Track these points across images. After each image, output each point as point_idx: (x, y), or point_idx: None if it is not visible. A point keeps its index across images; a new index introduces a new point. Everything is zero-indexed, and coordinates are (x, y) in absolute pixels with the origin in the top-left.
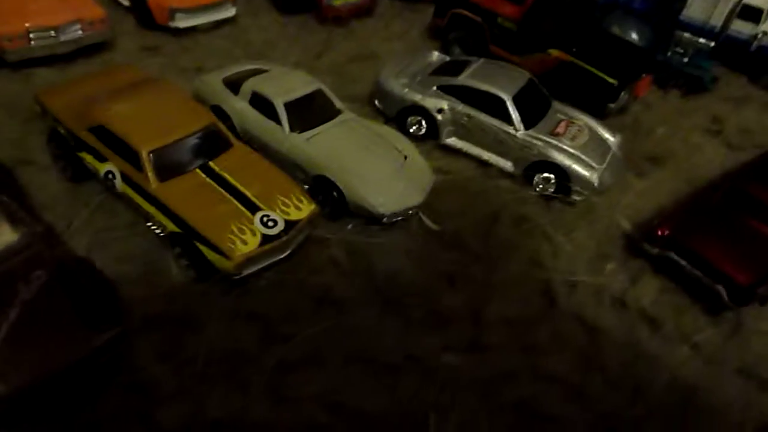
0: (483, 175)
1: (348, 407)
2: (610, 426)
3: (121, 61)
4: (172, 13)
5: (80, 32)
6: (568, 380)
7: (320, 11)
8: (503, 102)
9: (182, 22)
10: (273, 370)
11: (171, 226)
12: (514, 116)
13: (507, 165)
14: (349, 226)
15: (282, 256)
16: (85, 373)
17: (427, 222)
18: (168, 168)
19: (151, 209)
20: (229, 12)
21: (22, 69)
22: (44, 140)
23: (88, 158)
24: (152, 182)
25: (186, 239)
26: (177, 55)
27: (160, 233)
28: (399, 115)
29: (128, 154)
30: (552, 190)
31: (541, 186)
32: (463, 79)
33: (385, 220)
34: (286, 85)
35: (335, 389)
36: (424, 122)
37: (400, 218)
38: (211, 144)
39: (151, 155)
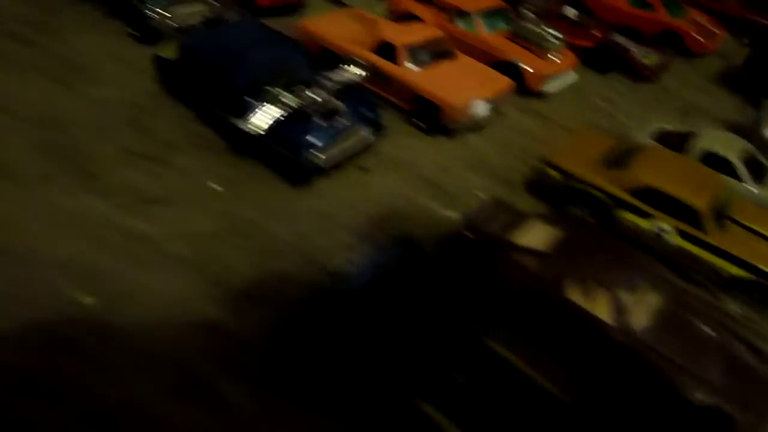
0: None
1: None
2: None
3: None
4: (546, 79)
5: None
6: None
7: (637, 71)
8: None
9: (549, 87)
10: None
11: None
12: None
13: None
14: None
15: None
16: None
17: None
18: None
19: (710, 257)
20: (574, 77)
21: None
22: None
23: (630, 218)
24: (711, 232)
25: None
26: (558, 116)
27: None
28: None
29: (682, 212)
30: None
31: None
32: None
33: None
34: (727, 143)
35: None
36: None
37: None
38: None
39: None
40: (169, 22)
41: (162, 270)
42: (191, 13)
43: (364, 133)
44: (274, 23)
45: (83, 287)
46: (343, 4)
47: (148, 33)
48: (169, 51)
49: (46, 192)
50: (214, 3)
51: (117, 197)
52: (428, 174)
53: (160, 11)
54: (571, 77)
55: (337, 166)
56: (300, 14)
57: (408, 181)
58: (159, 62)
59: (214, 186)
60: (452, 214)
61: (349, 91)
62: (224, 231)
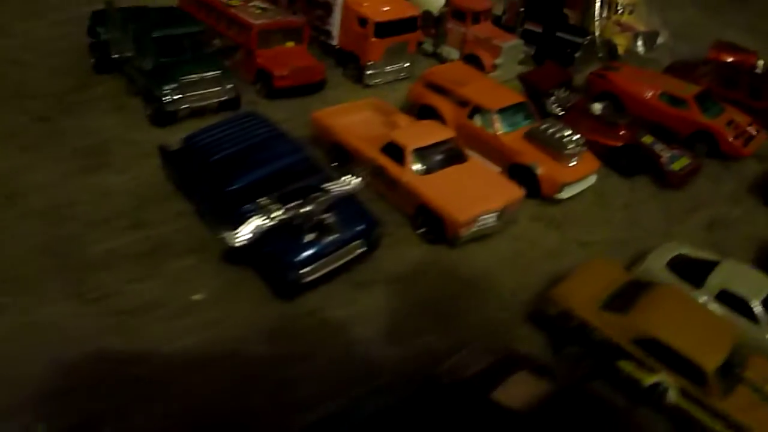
0: None
1: None
2: None
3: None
4: (562, 186)
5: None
6: None
7: (663, 176)
8: None
9: (565, 193)
10: None
11: None
12: None
13: None
14: None
15: None
16: None
17: None
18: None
19: (710, 421)
20: (593, 179)
21: None
22: None
23: (628, 368)
24: (714, 394)
25: None
26: (573, 225)
27: None
28: None
29: (686, 368)
30: None
31: None
32: None
33: None
34: (750, 282)
35: None
36: None
37: None
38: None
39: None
40: (182, 104)
41: (134, 394)
42: (205, 95)
43: (356, 247)
44: (293, 105)
45: (54, 413)
46: (368, 85)
47: (162, 116)
48: (176, 140)
49: (30, 300)
50: (229, 84)
51: (100, 306)
52: (423, 292)
53: (175, 94)
54: (590, 180)
55: (329, 278)
56: (321, 94)
57: (401, 301)
58: (163, 152)
59: (198, 297)
60: (443, 343)
61: (345, 202)
62: (205, 350)
